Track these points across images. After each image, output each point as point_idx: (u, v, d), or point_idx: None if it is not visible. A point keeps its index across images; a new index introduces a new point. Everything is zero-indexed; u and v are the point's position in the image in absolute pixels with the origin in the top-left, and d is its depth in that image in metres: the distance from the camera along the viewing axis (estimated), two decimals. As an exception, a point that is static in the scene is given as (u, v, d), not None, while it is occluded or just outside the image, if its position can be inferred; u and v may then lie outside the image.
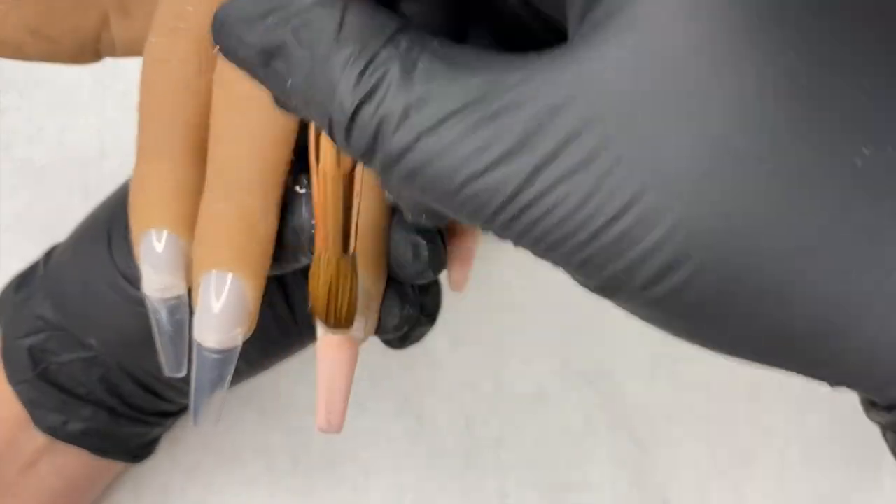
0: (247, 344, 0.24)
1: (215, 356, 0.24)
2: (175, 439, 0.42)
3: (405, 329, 0.26)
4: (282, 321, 0.34)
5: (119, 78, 0.46)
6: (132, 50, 0.28)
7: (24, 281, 0.35)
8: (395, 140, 0.15)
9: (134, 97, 0.45)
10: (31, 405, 0.34)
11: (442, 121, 0.15)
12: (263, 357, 0.35)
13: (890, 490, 0.41)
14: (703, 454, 0.42)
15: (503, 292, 0.43)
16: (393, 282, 0.25)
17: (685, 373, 0.42)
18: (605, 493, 0.41)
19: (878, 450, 0.41)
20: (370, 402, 0.42)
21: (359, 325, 0.24)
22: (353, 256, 0.22)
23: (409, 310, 0.26)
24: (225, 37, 0.15)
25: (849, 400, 0.42)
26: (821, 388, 0.42)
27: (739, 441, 0.42)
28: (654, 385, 0.42)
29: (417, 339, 0.29)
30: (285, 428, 0.42)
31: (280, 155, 0.24)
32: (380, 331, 0.26)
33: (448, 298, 0.35)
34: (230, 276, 0.23)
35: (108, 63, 0.46)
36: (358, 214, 0.22)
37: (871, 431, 0.41)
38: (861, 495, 0.42)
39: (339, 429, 0.25)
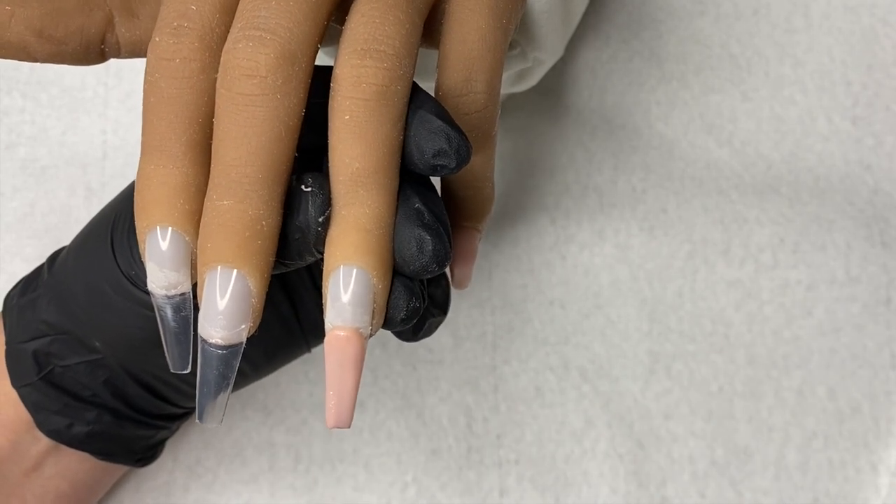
0: (251, 347, 0.25)
1: (220, 352, 0.24)
2: (177, 437, 0.42)
3: (413, 322, 0.26)
4: (286, 324, 0.34)
5: (122, 79, 0.46)
6: (137, 51, 0.28)
7: (28, 285, 0.35)
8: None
9: (136, 99, 0.46)
10: (34, 408, 0.34)
11: None
12: (268, 360, 0.35)
13: (888, 490, 0.42)
14: (701, 452, 0.42)
15: (503, 291, 0.44)
16: (399, 276, 0.26)
17: (684, 371, 0.43)
18: (603, 490, 0.42)
19: (877, 450, 0.42)
20: (371, 399, 0.43)
21: (366, 320, 0.25)
22: None
23: (416, 303, 0.26)
24: None
25: (848, 400, 0.42)
26: (820, 388, 0.42)
27: (738, 439, 0.42)
28: (653, 383, 0.43)
29: (431, 330, 0.30)
30: (287, 426, 0.42)
31: (283, 152, 0.24)
32: (386, 325, 0.26)
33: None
34: (235, 272, 0.23)
35: (111, 65, 0.46)
36: None
37: (869, 431, 0.42)
38: (859, 495, 0.42)
39: (348, 424, 0.25)
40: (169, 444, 0.41)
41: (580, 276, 0.44)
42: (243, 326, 0.24)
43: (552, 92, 0.45)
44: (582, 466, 0.42)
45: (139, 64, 0.33)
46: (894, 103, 0.45)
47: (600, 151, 0.45)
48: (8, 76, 0.46)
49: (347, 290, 0.24)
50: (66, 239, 0.44)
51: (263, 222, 0.24)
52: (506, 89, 0.39)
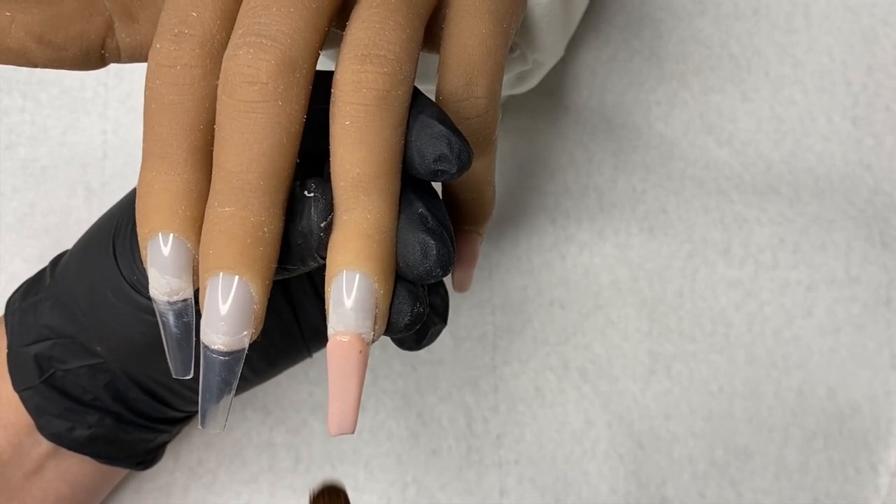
0: (253, 353, 0.25)
1: (222, 358, 0.24)
2: (178, 438, 0.42)
3: (416, 328, 0.26)
4: (287, 330, 0.34)
5: (122, 80, 0.46)
6: (137, 56, 0.28)
7: (30, 288, 0.35)
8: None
9: (136, 99, 0.46)
10: (36, 411, 0.34)
11: None
12: (269, 365, 0.35)
13: (888, 490, 0.42)
14: (701, 452, 0.42)
15: (503, 292, 0.44)
16: (402, 281, 0.25)
17: (684, 371, 0.43)
18: (603, 490, 0.42)
19: (877, 450, 0.42)
20: (371, 399, 0.43)
21: (368, 325, 0.24)
22: None
23: (420, 308, 0.26)
24: None
25: (848, 400, 0.42)
26: (820, 388, 0.43)
27: (738, 439, 0.42)
28: (653, 383, 0.43)
29: (432, 339, 0.30)
30: (287, 426, 0.42)
31: (285, 158, 0.24)
32: (390, 330, 0.26)
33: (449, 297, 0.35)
34: (237, 278, 0.23)
35: (111, 65, 0.46)
36: None
37: (869, 432, 0.42)
38: (859, 495, 0.42)
39: (351, 430, 0.25)
40: (169, 445, 0.41)
41: (580, 276, 0.44)
42: (245, 333, 0.24)
43: (552, 92, 0.45)
44: (582, 466, 0.42)
45: (139, 64, 0.33)
46: (894, 103, 0.45)
47: (600, 151, 0.45)
48: (8, 76, 0.46)
49: (350, 295, 0.24)
50: (65, 239, 0.44)
51: (265, 229, 0.24)
52: (506, 91, 0.39)
